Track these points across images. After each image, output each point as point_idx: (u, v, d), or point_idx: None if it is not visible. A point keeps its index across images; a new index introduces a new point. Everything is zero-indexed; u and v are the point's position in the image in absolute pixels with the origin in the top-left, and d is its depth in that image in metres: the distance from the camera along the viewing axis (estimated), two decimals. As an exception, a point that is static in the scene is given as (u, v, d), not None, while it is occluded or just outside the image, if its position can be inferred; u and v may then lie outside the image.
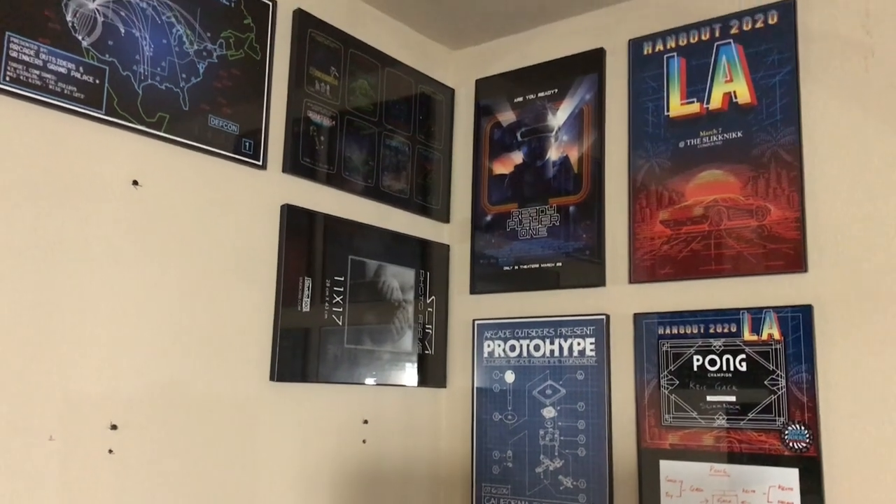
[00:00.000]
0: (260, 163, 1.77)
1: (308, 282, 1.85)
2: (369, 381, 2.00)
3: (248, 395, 1.72)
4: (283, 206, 1.82)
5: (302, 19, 1.90)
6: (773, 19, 1.81)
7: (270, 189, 1.80)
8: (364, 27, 2.09)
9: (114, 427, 1.46)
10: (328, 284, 1.90)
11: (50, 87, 1.40)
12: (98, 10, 1.49)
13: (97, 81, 1.48)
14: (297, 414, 1.82)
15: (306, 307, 1.84)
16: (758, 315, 1.74)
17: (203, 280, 1.64)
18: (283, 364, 1.77)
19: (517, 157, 2.20)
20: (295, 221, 1.84)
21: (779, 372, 1.70)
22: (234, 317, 1.70)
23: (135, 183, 1.54)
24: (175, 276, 1.59)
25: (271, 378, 1.76)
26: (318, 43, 1.94)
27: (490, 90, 2.29)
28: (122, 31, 1.53)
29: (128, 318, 1.50)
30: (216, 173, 1.69)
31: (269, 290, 1.78)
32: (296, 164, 1.86)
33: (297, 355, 1.82)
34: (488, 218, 2.23)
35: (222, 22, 1.72)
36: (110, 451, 1.45)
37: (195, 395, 1.61)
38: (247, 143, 1.75)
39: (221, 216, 1.69)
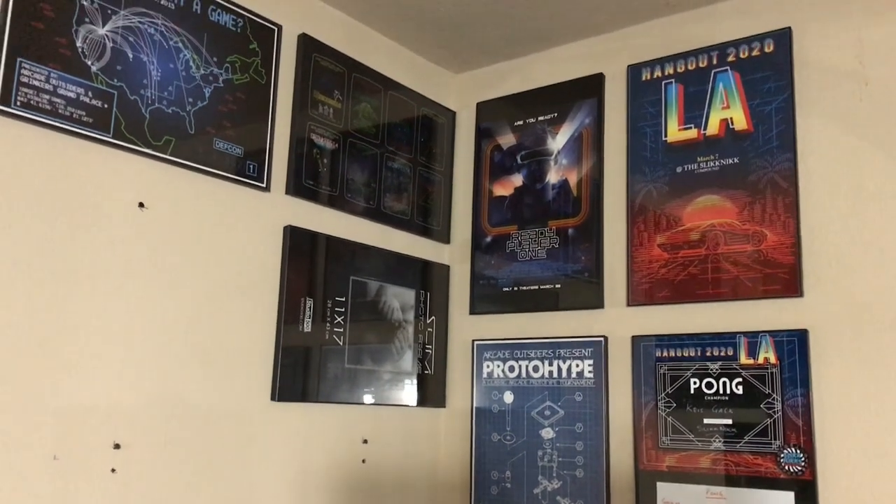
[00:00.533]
0: (263, 185, 1.80)
1: (310, 302, 1.88)
2: (369, 400, 2.01)
3: (250, 415, 1.73)
4: (285, 228, 1.84)
5: (306, 44, 1.93)
6: (769, 48, 1.85)
7: (273, 210, 1.83)
8: (367, 51, 2.12)
9: (117, 446, 1.48)
10: (329, 305, 1.93)
11: (59, 111, 1.43)
12: (107, 36, 1.52)
13: (105, 106, 1.51)
14: (297, 433, 1.84)
15: (308, 327, 1.86)
16: (754, 339, 1.76)
17: (207, 300, 1.67)
18: (284, 384, 1.79)
19: (517, 180, 2.23)
20: (297, 242, 1.86)
21: (774, 395, 1.72)
22: (237, 337, 1.72)
23: (141, 205, 1.56)
24: (179, 296, 1.61)
25: (272, 398, 1.78)
26: (322, 67, 1.97)
27: (491, 113, 2.32)
28: (131, 56, 1.56)
29: (132, 338, 1.53)
30: (220, 195, 1.72)
31: (271, 310, 1.80)
32: (299, 186, 1.88)
33: (298, 375, 1.84)
34: (488, 239, 2.25)
35: (228, 47, 1.75)
36: (113, 471, 1.47)
37: (198, 415, 1.63)
38: (251, 166, 1.78)
39: (225, 237, 1.72)
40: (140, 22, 1.58)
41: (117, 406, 1.49)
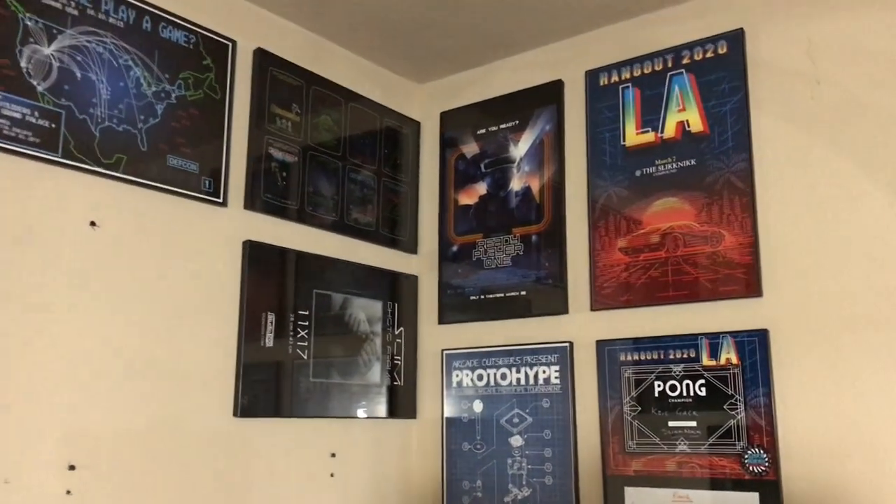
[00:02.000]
0: (220, 200, 1.79)
1: (271, 317, 1.87)
2: (337, 414, 2.00)
3: (212, 432, 1.72)
4: (244, 242, 1.84)
5: (262, 58, 1.93)
6: (722, 49, 1.85)
7: (231, 226, 1.82)
8: (326, 64, 2.12)
9: (72, 467, 1.47)
10: (292, 319, 1.92)
11: (4, 132, 1.42)
12: (53, 56, 1.52)
13: (53, 125, 1.50)
14: (261, 449, 1.82)
15: (270, 342, 1.85)
16: (715, 340, 1.76)
17: (164, 318, 1.66)
18: (246, 400, 1.78)
19: (481, 188, 2.23)
20: (257, 257, 1.85)
21: (737, 396, 1.72)
22: (197, 354, 1.71)
23: (92, 224, 1.55)
24: (135, 314, 1.60)
25: (235, 414, 1.76)
26: (280, 81, 1.97)
27: (454, 122, 2.32)
28: (79, 75, 1.56)
29: (87, 358, 1.51)
30: (176, 212, 1.71)
31: (231, 326, 1.79)
32: (257, 201, 1.88)
33: (262, 391, 1.83)
34: (455, 248, 2.25)
35: (181, 63, 1.75)
36: (68, 493, 1.46)
37: (156, 434, 1.61)
38: (207, 182, 1.77)
39: (182, 254, 1.71)
40: (87, 41, 1.58)
41: (72, 427, 1.48)
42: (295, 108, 2.01)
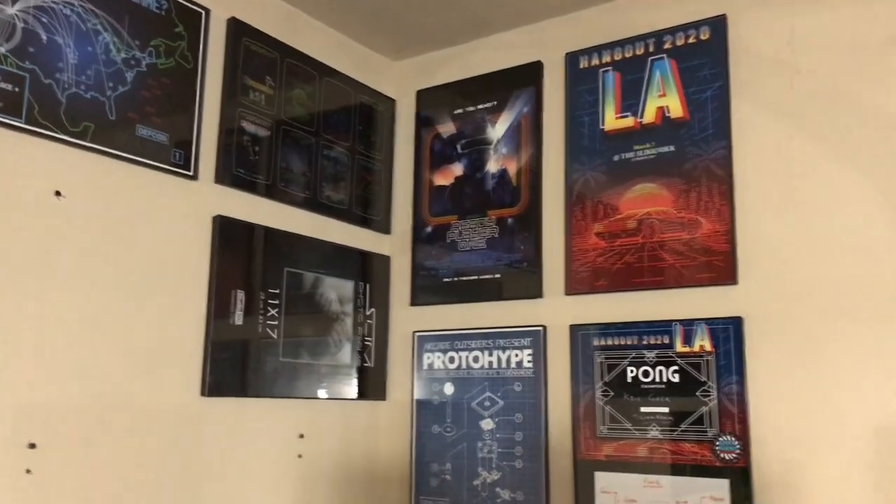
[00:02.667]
0: (191, 173, 1.74)
1: (241, 294, 1.82)
2: (306, 394, 1.97)
3: (178, 411, 1.68)
4: (215, 217, 1.79)
5: (236, 28, 1.87)
6: (704, 35, 1.84)
7: (202, 200, 1.77)
8: (301, 36, 2.07)
9: (32, 445, 1.41)
10: (262, 297, 1.88)
11: (-36, 94, 1.36)
12: (17, 16, 1.45)
13: (17, 89, 1.43)
14: (229, 429, 1.79)
15: (239, 320, 1.81)
16: (689, 327, 1.76)
17: (130, 293, 1.60)
18: (214, 378, 1.74)
19: (457, 169, 2.20)
20: (227, 233, 1.81)
21: (710, 383, 1.72)
22: (163, 330, 1.66)
23: (57, 193, 1.49)
24: (100, 288, 1.55)
25: (202, 393, 1.72)
26: (253, 52, 1.92)
27: (431, 101, 2.28)
28: (44, 37, 1.49)
29: (49, 333, 1.46)
30: (144, 184, 1.66)
31: (200, 302, 1.75)
32: (229, 175, 1.83)
33: (230, 369, 1.79)
34: (429, 229, 2.22)
35: (152, 30, 1.69)
36: (28, 471, 1.41)
37: (120, 412, 1.56)
38: (177, 154, 1.72)
39: (150, 227, 1.66)
40: (54, 2, 1.51)
41: (32, 404, 1.42)
42: (269, 81, 1.96)
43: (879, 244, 1.58)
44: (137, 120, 1.64)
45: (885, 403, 1.54)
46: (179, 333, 1.70)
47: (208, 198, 1.79)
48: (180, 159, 1.72)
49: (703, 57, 1.83)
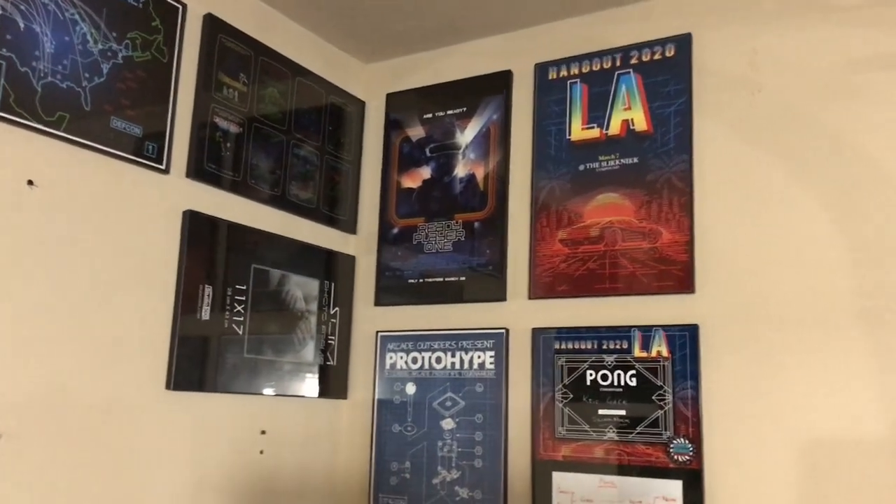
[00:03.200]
0: (163, 167, 1.74)
1: (209, 290, 1.83)
2: (269, 391, 1.98)
3: (143, 404, 1.68)
4: (185, 212, 1.79)
5: (212, 24, 1.88)
6: (670, 52, 1.91)
7: (173, 194, 1.78)
8: (276, 35, 2.09)
9: (-4, 435, 1.41)
10: (229, 293, 1.89)
11: (-60, 79, 1.35)
12: (-4, 3, 1.44)
13: (-8, 76, 1.43)
14: (192, 423, 1.79)
15: (206, 315, 1.82)
16: (648, 333, 1.82)
17: (98, 284, 1.60)
18: (179, 372, 1.74)
19: (425, 172, 2.24)
20: (197, 228, 1.81)
21: (666, 388, 1.78)
22: (130, 323, 1.66)
23: (30, 182, 1.49)
24: (68, 278, 1.54)
25: (167, 387, 1.73)
26: (228, 49, 1.93)
27: (400, 105, 2.32)
28: (22, 25, 1.48)
29: (15, 322, 1.45)
30: (117, 175, 1.66)
31: (167, 296, 1.75)
32: (200, 170, 1.84)
33: (195, 364, 1.79)
34: (395, 231, 2.25)
35: (129, 22, 1.69)
36: (-9, 460, 1.40)
37: (84, 403, 1.56)
38: (150, 147, 1.72)
39: (120, 219, 1.66)
40: (33, -10, 1.51)
41: (-2, 393, 1.42)
42: (242, 78, 1.97)
43: (830, 258, 1.66)
44: (112, 112, 1.64)
45: (830, 409, 1.62)
46: (146, 327, 1.70)
47: (179, 192, 1.79)
48: (153, 153, 1.73)
49: (668, 73, 1.90)
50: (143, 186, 1.71)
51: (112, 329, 1.62)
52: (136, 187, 1.70)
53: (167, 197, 1.76)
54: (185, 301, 1.77)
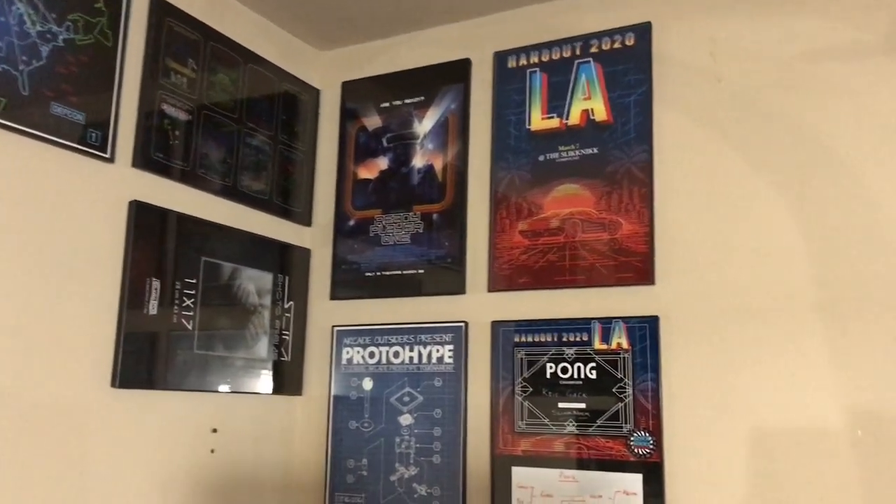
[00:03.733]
0: (107, 155, 1.67)
1: (156, 283, 1.76)
2: (220, 388, 1.92)
3: (87, 403, 1.60)
4: (131, 202, 1.72)
5: (159, 7, 1.81)
6: (630, 41, 1.89)
7: (118, 183, 1.70)
8: (226, 20, 2.01)
9: (-73, 437, 1.33)
10: (178, 287, 1.82)
11: None
12: (-76, -20, 1.36)
13: (-80, 57, 1.34)
14: (140, 422, 1.72)
15: (153, 310, 1.75)
16: (608, 325, 1.80)
17: (37, 277, 1.52)
18: (125, 369, 1.67)
19: (382, 163, 2.19)
20: (144, 219, 1.74)
21: (626, 380, 1.77)
22: (72, 319, 1.59)
23: (-38, 170, 1.41)
24: (5, 271, 1.46)
25: (113, 384, 1.65)
26: (176, 33, 1.85)
27: (357, 94, 2.26)
28: (-48, 4, 1.40)
29: (-52, 318, 1.38)
30: (58, 164, 1.58)
31: (112, 290, 1.68)
32: (147, 159, 1.76)
33: (142, 360, 1.72)
34: (351, 223, 2.20)
35: (70, 4, 1.61)
36: (-79, 464, 1.32)
37: (24, 403, 1.48)
38: (93, 134, 1.64)
39: (62, 210, 1.58)
40: (-36, -33, 1.42)
41: (-72, 393, 1.34)
42: (191, 64, 1.90)
43: (789, 248, 1.66)
44: (52, 97, 1.56)
45: (789, 401, 1.61)
46: (90, 322, 1.62)
47: (125, 182, 1.72)
48: (97, 140, 1.65)
49: (628, 62, 1.88)
50: (86, 176, 1.63)
51: (53, 325, 1.55)
52: (79, 177, 1.62)
53: (112, 187, 1.69)
54: (132, 295, 1.70)
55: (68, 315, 1.58)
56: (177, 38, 1.86)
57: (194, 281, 1.86)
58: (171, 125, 1.83)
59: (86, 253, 1.62)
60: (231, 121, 2.01)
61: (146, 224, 1.75)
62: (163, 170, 1.81)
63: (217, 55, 1.97)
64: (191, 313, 1.84)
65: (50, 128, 1.55)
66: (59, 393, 1.55)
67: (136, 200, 1.72)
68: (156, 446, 1.75)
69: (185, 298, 1.83)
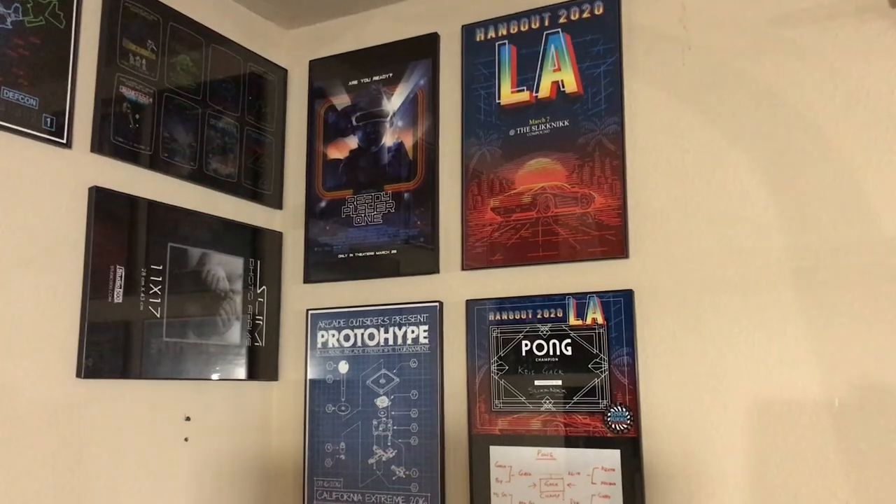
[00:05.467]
0: (64, 141, 1.62)
1: (121, 271, 1.72)
2: (192, 376, 1.89)
3: (51, 395, 1.57)
4: (91, 188, 1.68)
5: (113, -13, 1.76)
6: (598, 10, 1.85)
7: (76, 170, 1.66)
8: (186, 0, 1.96)
9: None
10: (144, 274, 1.78)
11: None
12: None
13: None
14: (108, 413, 1.69)
15: (119, 298, 1.71)
16: (582, 300, 1.78)
17: (-5, 269, 1.49)
18: (91, 359, 1.64)
19: (352, 142, 2.15)
20: (105, 205, 1.70)
21: (602, 355, 1.74)
22: (32, 309, 1.55)
23: None
24: (-41, 264, 1.43)
25: (78, 375, 1.62)
26: (133, 14, 1.80)
27: (324, 72, 2.22)
28: None
29: None
30: (11, 151, 1.53)
31: (75, 279, 1.64)
32: (107, 144, 1.72)
33: (109, 350, 1.69)
34: (322, 204, 2.16)
35: (17, -16, 1.56)
36: None
37: (-16, 397, 1.45)
38: (48, 120, 1.60)
39: (18, 197, 1.54)
40: None
41: None
42: (150, 45, 1.85)
43: (763, 217, 1.63)
44: (3, 82, 1.51)
45: (766, 372, 1.59)
46: (51, 312, 1.58)
47: (83, 168, 1.67)
48: (52, 126, 1.60)
49: (597, 32, 1.84)
50: (42, 162, 1.59)
51: (14, 316, 1.51)
52: (35, 163, 1.58)
53: (70, 173, 1.65)
54: (95, 283, 1.66)
55: (30, 306, 1.54)
56: (134, 18, 1.80)
57: (161, 267, 1.82)
58: (130, 109, 1.78)
59: (46, 242, 1.58)
60: (195, 103, 1.96)
61: (108, 210, 1.71)
62: (124, 155, 1.76)
63: (178, 36, 1.92)
64: (158, 300, 1.81)
65: (1, 114, 1.50)
66: (22, 386, 1.51)
67: (96, 186, 1.68)
68: (126, 436, 1.72)
69: (151, 285, 1.80)
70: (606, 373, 1.73)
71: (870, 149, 1.56)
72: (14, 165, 1.54)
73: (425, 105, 2.05)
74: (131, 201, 1.77)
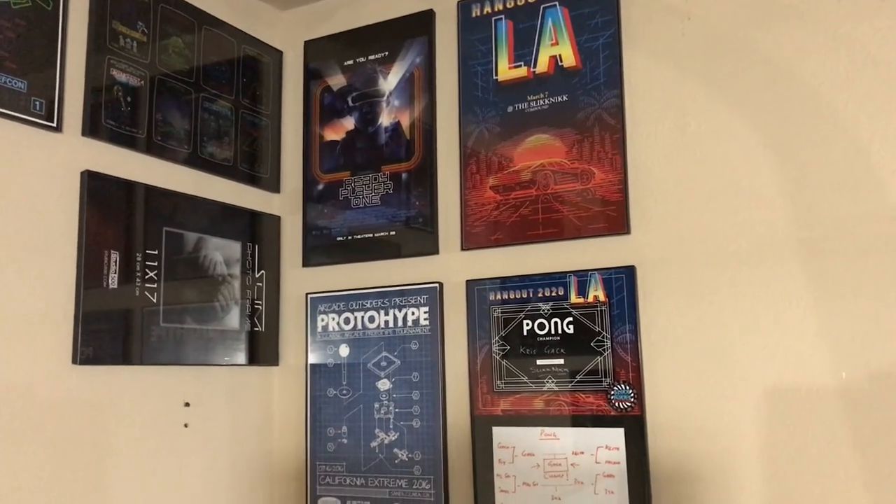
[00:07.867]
0: (54, 124, 1.60)
1: (115, 256, 1.70)
2: (191, 361, 1.87)
3: (45, 383, 1.55)
4: (83, 173, 1.65)
5: (101, -32, 1.73)
6: (596, -18, 1.81)
7: (68, 154, 1.64)
8: (177, -19, 1.93)
9: None
10: (139, 259, 1.76)
11: None
12: None
13: None
14: (106, 400, 1.67)
15: (113, 284, 1.69)
16: (583, 277, 1.75)
17: (-14, 255, 1.47)
18: (86, 346, 1.62)
19: (349, 123, 2.12)
20: (98, 189, 1.68)
21: (604, 333, 1.72)
22: (25, 296, 1.53)
23: None
24: (-51, 250, 1.41)
25: (74, 361, 1.60)
26: (122, -5, 1.78)
27: (319, 53, 2.19)
28: None
29: None
30: (0, 135, 1.51)
31: (68, 265, 1.61)
32: (98, 127, 1.69)
33: (105, 337, 1.67)
34: (320, 187, 2.13)
35: (2, -35, 1.53)
36: None
37: (-22, 384, 1.44)
38: (37, 103, 1.57)
39: (7, 183, 1.51)
40: None
41: None
42: (141, 27, 1.82)
43: (767, 188, 1.60)
44: (-12, 64, 1.49)
45: (772, 347, 1.56)
46: (44, 299, 1.56)
47: (75, 152, 1.65)
48: (41, 109, 1.58)
49: (595, 4, 1.81)
50: (32, 146, 1.57)
51: (6, 303, 1.49)
52: (24, 148, 1.55)
53: (61, 157, 1.62)
54: (89, 269, 1.64)
55: (22, 291, 1.52)
56: (123, 0, 1.78)
57: (156, 252, 1.80)
58: (122, 92, 1.76)
59: (38, 227, 1.56)
60: (188, 86, 1.94)
61: (101, 195, 1.69)
62: (116, 138, 1.74)
63: (169, 18, 1.89)
64: (155, 286, 1.79)
65: (-12, 97, 1.48)
66: (17, 374, 1.50)
67: (88, 171, 1.66)
68: (126, 423, 1.70)
69: (147, 271, 1.77)
70: (609, 351, 1.71)
71: (876, 116, 1.52)
72: (3, 150, 1.51)
73: (422, 84, 2.01)
74: (125, 185, 1.74)
